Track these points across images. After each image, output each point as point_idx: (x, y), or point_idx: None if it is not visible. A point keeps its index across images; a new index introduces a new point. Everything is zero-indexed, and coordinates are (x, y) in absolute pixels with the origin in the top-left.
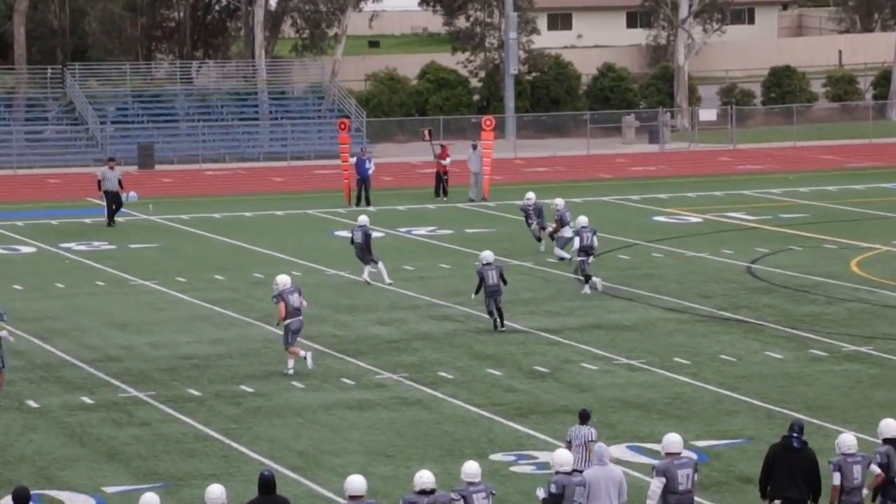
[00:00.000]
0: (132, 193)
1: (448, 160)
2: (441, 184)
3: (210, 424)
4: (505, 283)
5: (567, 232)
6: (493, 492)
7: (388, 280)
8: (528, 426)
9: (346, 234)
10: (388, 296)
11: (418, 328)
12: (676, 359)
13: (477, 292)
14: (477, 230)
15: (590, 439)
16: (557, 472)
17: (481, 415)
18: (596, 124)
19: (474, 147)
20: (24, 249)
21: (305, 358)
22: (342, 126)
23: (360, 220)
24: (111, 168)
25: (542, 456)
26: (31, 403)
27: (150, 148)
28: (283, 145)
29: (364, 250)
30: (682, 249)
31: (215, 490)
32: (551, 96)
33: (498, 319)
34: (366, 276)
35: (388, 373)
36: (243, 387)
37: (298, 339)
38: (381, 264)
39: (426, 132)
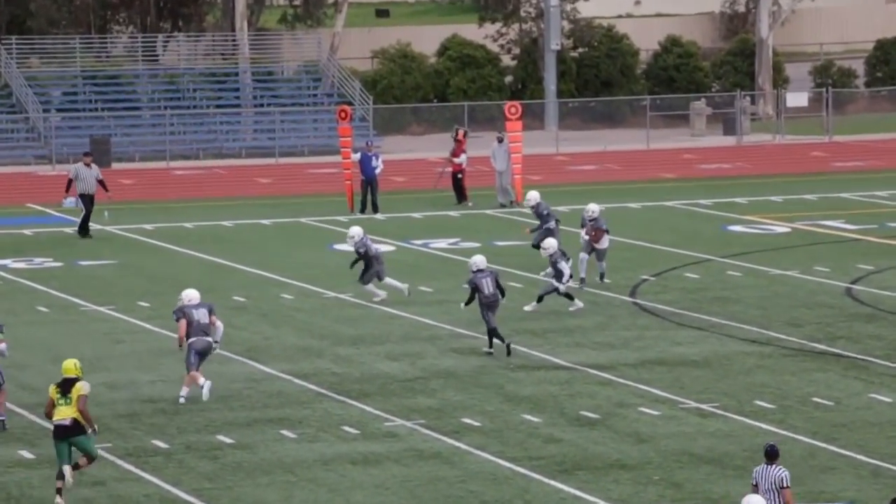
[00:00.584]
0: (70, 199)
1: (463, 157)
2: (458, 186)
3: (180, 484)
4: (503, 293)
5: (604, 242)
6: None
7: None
8: (574, 485)
9: (347, 248)
10: (400, 324)
11: (438, 364)
12: (758, 402)
13: (468, 303)
14: (509, 242)
15: (783, 485)
16: None
17: (515, 471)
18: (657, 112)
19: (500, 140)
20: None
21: (202, 387)
22: (343, 115)
23: (352, 233)
24: (87, 165)
25: None
26: None
27: (106, 142)
28: (271, 139)
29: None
30: (765, 266)
31: None
32: (602, 77)
33: (499, 341)
34: (380, 293)
35: (400, 419)
36: (221, 437)
37: (201, 364)
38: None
39: (460, 133)
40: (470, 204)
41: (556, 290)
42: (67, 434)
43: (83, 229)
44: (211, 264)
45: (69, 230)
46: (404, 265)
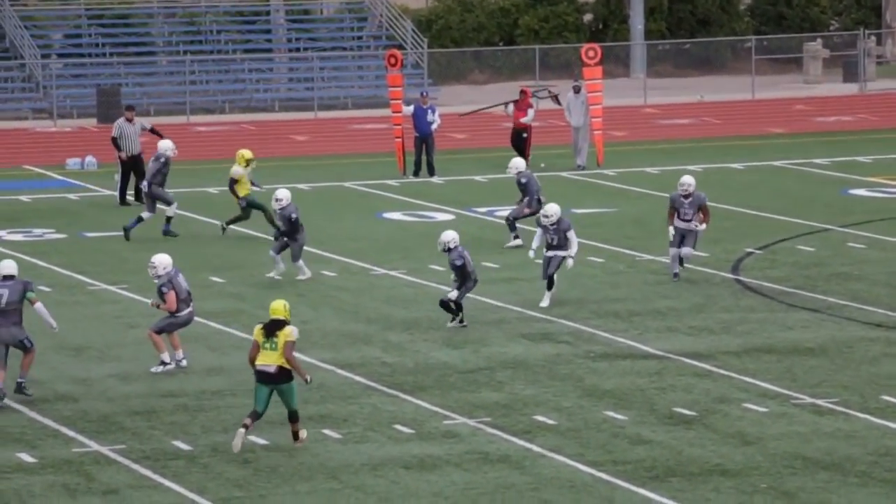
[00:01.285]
0: (88, 158)
1: (531, 113)
2: (521, 145)
3: (206, 492)
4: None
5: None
6: None
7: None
8: (667, 495)
9: (398, 216)
10: (461, 305)
11: (505, 352)
12: (885, 397)
13: (461, 286)
14: (589, 210)
15: None
16: None
17: (597, 477)
18: (764, 55)
19: (576, 90)
20: None
21: (180, 361)
22: (393, 61)
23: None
24: (129, 120)
25: None
26: None
27: (115, 93)
28: (308, 89)
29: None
30: (894, 237)
31: None
32: (698, 14)
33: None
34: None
35: (461, 417)
36: (252, 437)
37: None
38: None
39: (554, 97)
40: (542, 165)
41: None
42: (271, 381)
43: (124, 194)
44: (239, 236)
45: (73, 196)
46: (465, 237)
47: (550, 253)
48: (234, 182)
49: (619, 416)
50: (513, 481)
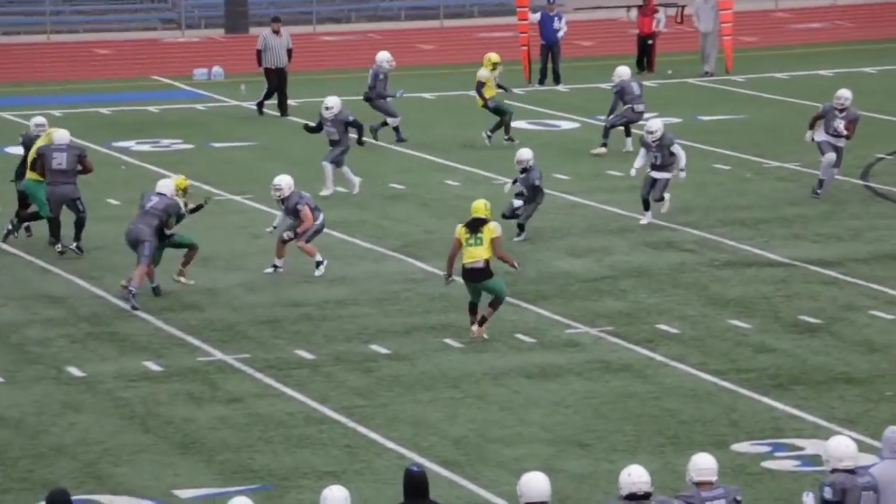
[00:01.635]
0: (216, 68)
1: (662, 19)
2: (646, 53)
3: (328, 401)
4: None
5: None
6: (738, 498)
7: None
8: (791, 403)
9: (524, 125)
10: (583, 214)
11: (629, 261)
12: None
13: (529, 202)
14: (717, 117)
15: None
16: (835, 470)
17: (720, 386)
18: None
19: None
20: None
21: (279, 268)
22: None
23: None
24: (276, 32)
25: (811, 446)
26: (75, 371)
27: (243, 3)
28: None
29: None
30: None
31: (337, 494)
32: None
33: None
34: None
35: (583, 326)
36: (375, 347)
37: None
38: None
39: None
40: (669, 72)
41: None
42: (477, 277)
43: (262, 105)
44: (365, 146)
45: (200, 107)
46: (591, 144)
47: (656, 174)
48: (480, 85)
49: (742, 325)
50: (634, 390)
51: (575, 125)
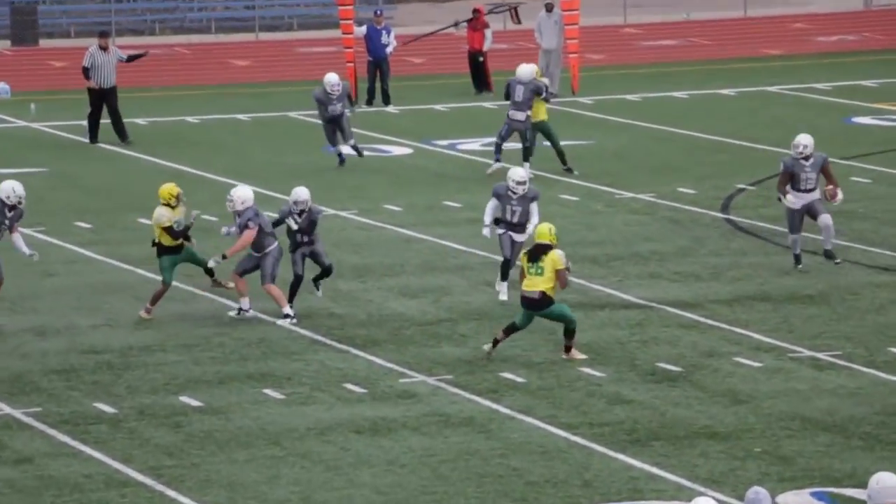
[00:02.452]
0: (1, 85)
1: (489, 37)
2: (478, 71)
3: (132, 461)
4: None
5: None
6: None
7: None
8: (649, 460)
9: (349, 150)
10: (418, 250)
11: (469, 302)
12: (894, 350)
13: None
14: (563, 143)
15: None
16: None
17: (572, 442)
18: None
19: (548, 8)
20: None
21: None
22: None
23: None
24: (103, 48)
25: None
26: None
27: (31, 12)
28: (248, 7)
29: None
30: None
31: None
32: None
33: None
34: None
35: (420, 374)
36: (185, 399)
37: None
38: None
39: (512, 11)
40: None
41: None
42: (533, 306)
43: (94, 132)
44: (170, 172)
45: None
46: (425, 172)
47: (517, 236)
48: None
49: (595, 373)
50: (477, 447)
51: (407, 150)
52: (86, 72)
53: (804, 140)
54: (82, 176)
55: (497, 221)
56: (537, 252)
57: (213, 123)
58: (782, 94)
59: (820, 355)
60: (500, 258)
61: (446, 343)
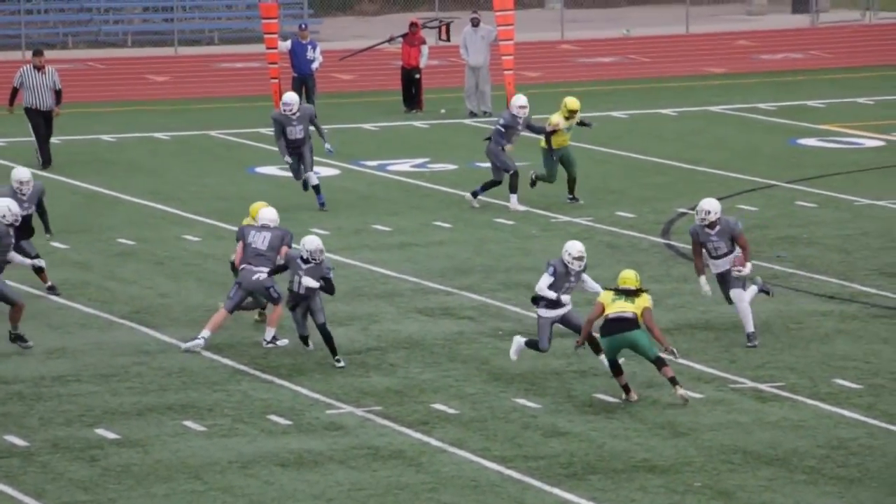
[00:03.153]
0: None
1: (425, 53)
2: (412, 87)
3: (44, 496)
4: (329, 289)
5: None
6: None
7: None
8: (586, 495)
9: (273, 171)
10: (346, 276)
11: (398, 330)
12: (839, 381)
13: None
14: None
15: None
16: None
17: (505, 476)
18: None
19: (475, 23)
20: None
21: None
22: None
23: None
24: (38, 68)
25: None
26: None
27: None
28: (167, 20)
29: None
30: (849, 195)
31: None
32: None
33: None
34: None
35: (347, 405)
36: (101, 431)
37: None
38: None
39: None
40: (443, 111)
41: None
42: (623, 328)
43: (45, 155)
44: (85, 194)
45: None
46: (353, 195)
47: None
48: (552, 132)
49: (530, 405)
50: (407, 481)
51: (334, 171)
52: (13, 92)
53: (706, 206)
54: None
55: (536, 300)
56: (627, 293)
57: (129, 142)
58: (725, 115)
59: (763, 386)
60: (430, 284)
61: (374, 372)
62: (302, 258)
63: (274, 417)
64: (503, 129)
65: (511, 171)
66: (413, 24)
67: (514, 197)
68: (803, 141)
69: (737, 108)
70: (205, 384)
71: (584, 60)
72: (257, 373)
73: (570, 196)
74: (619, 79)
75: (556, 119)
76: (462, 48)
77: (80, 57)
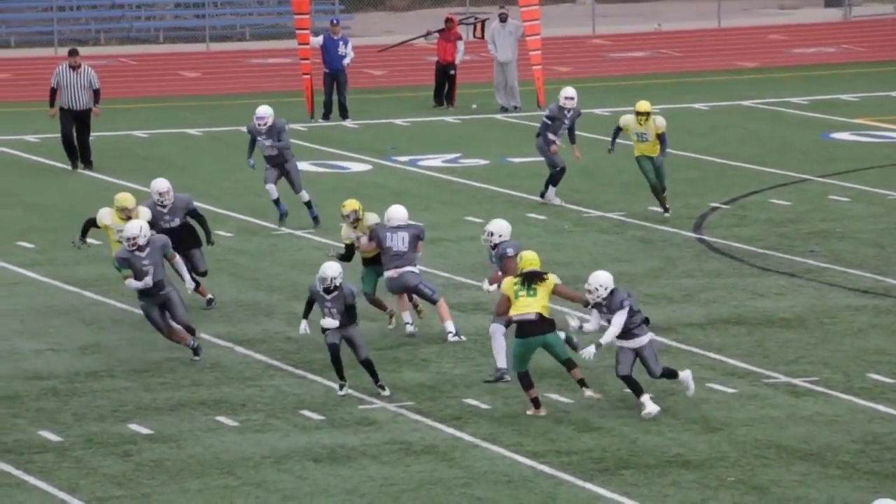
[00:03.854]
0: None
1: (461, 48)
2: (446, 84)
3: (79, 491)
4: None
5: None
6: None
7: None
8: (619, 490)
9: (306, 166)
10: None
11: (431, 325)
12: (873, 375)
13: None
14: (529, 159)
15: None
16: None
17: (538, 470)
18: None
19: (502, 19)
20: None
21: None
22: None
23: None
24: (74, 67)
25: None
26: None
27: None
28: (199, 16)
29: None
30: (883, 189)
31: None
32: None
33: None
34: None
35: (379, 401)
36: (134, 426)
37: None
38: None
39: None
40: (474, 106)
41: None
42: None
43: (75, 158)
44: (117, 189)
45: None
46: (384, 190)
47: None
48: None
49: (563, 400)
50: (440, 476)
51: (366, 167)
52: (52, 93)
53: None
54: (24, 193)
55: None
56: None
57: (161, 138)
58: (757, 109)
59: (796, 381)
60: (460, 279)
61: (407, 368)
62: (325, 289)
63: (307, 412)
64: (549, 122)
65: (558, 168)
66: (449, 20)
67: (552, 189)
68: (836, 135)
69: (769, 102)
70: (238, 379)
71: (616, 55)
72: (290, 368)
73: (662, 207)
74: (650, 73)
75: (627, 119)
76: (490, 44)
77: (112, 53)
